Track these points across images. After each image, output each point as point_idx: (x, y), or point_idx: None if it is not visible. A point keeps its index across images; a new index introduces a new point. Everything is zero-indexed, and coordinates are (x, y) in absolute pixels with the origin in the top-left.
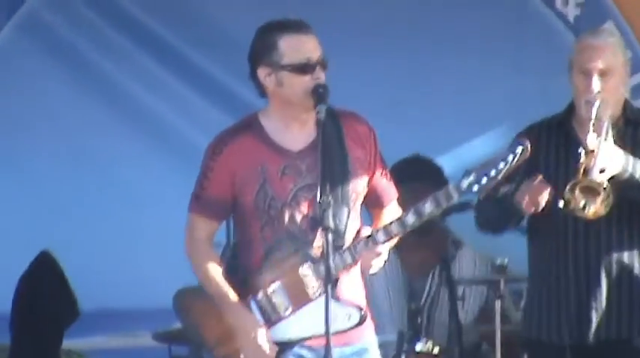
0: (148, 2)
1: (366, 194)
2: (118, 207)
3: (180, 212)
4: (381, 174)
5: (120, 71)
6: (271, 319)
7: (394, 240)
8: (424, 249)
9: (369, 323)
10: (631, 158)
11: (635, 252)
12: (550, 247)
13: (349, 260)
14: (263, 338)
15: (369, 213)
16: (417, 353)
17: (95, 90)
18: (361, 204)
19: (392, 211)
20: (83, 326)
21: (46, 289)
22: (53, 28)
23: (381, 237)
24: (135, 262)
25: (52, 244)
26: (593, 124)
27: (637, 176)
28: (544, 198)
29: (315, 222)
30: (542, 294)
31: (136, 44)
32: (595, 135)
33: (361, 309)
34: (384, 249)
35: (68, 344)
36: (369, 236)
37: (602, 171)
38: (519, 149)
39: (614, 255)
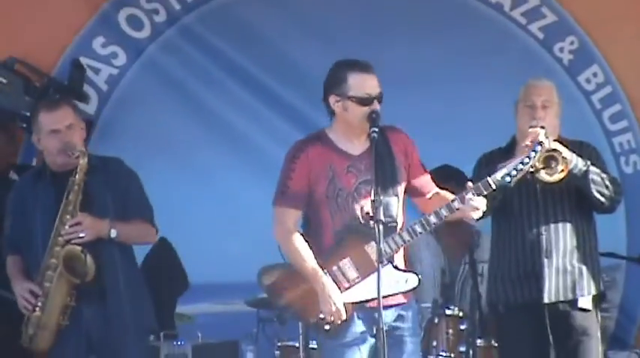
0: (244, 46)
1: (410, 188)
2: (215, 202)
3: (264, 208)
4: (422, 171)
5: (219, 101)
6: (343, 286)
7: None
8: (456, 238)
9: (412, 292)
10: (575, 154)
11: (574, 235)
12: (510, 229)
13: (407, 237)
14: (341, 301)
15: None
16: (447, 315)
17: (197, 115)
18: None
19: (437, 192)
20: (192, 295)
21: (163, 267)
22: (167, 67)
23: (432, 218)
24: (231, 247)
25: (171, 234)
26: (542, 130)
27: (579, 166)
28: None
29: (370, 216)
30: (503, 267)
31: (234, 81)
32: (544, 137)
33: (417, 274)
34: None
35: (180, 309)
36: (422, 218)
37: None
38: (539, 148)
39: (559, 234)
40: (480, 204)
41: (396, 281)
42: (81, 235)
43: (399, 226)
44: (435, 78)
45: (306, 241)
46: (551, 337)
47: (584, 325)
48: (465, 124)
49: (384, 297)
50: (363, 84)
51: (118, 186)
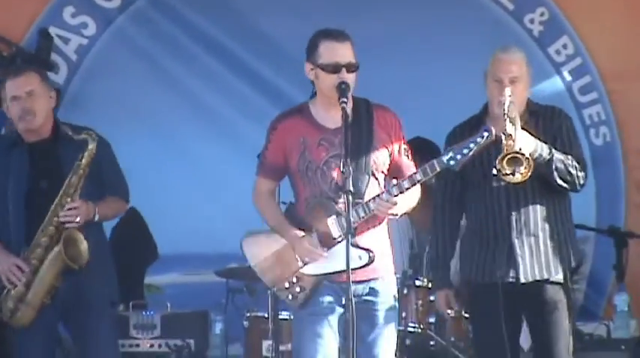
0: (214, 17)
1: (391, 168)
2: (186, 173)
3: (235, 180)
4: (404, 153)
5: (189, 72)
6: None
7: (400, 201)
8: (424, 209)
9: (386, 267)
10: (540, 143)
11: (544, 213)
12: (481, 210)
13: (362, 213)
14: (310, 242)
15: None
16: (417, 287)
17: (167, 85)
18: (385, 177)
19: None
20: (161, 266)
21: (132, 237)
22: (137, 38)
23: (384, 196)
24: (201, 217)
25: (140, 203)
26: (508, 118)
27: (544, 155)
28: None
29: (339, 186)
30: (475, 246)
31: (204, 52)
32: (510, 124)
33: (370, 252)
34: (383, 206)
35: (149, 280)
36: (378, 195)
37: (520, 149)
38: (485, 134)
39: (530, 215)
40: (398, 205)
41: (349, 258)
42: (77, 220)
43: None
44: (406, 49)
45: (293, 211)
46: (523, 311)
47: (555, 298)
48: (435, 95)
49: (337, 273)
50: (333, 52)
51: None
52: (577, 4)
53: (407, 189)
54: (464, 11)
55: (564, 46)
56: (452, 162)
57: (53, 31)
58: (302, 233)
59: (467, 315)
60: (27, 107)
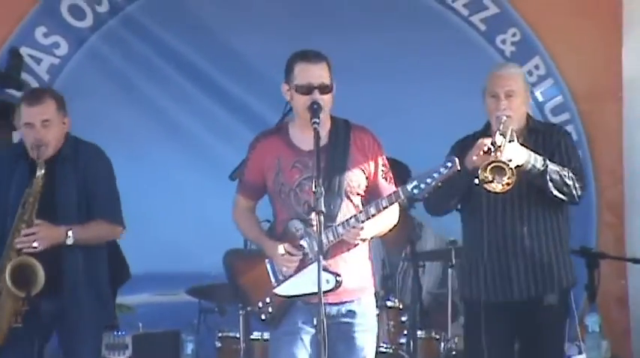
0: (186, 36)
1: (368, 191)
2: (159, 193)
3: (207, 199)
4: (383, 176)
5: (162, 93)
6: (279, 278)
7: (370, 226)
8: (397, 230)
9: (364, 289)
10: (533, 154)
11: (541, 228)
12: (477, 225)
13: (331, 237)
14: (283, 250)
15: None
16: (388, 307)
17: (138, 105)
18: (362, 199)
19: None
20: (132, 286)
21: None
22: (109, 57)
23: (352, 222)
24: (173, 237)
25: None
26: (499, 130)
27: (537, 166)
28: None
29: (311, 208)
30: (472, 263)
31: (176, 71)
32: (501, 137)
33: (337, 275)
34: (352, 233)
35: (120, 299)
36: (347, 220)
37: (509, 161)
38: (449, 164)
39: (525, 231)
40: (366, 231)
41: (316, 280)
42: (34, 245)
43: None
44: (381, 70)
45: (272, 230)
46: (516, 332)
47: (548, 321)
48: (411, 115)
49: (305, 295)
50: (306, 73)
51: (85, 177)
52: (549, 25)
53: (373, 215)
54: (439, 33)
55: (536, 67)
56: (415, 191)
57: (25, 50)
58: (279, 243)
59: (437, 336)
60: (39, 138)
